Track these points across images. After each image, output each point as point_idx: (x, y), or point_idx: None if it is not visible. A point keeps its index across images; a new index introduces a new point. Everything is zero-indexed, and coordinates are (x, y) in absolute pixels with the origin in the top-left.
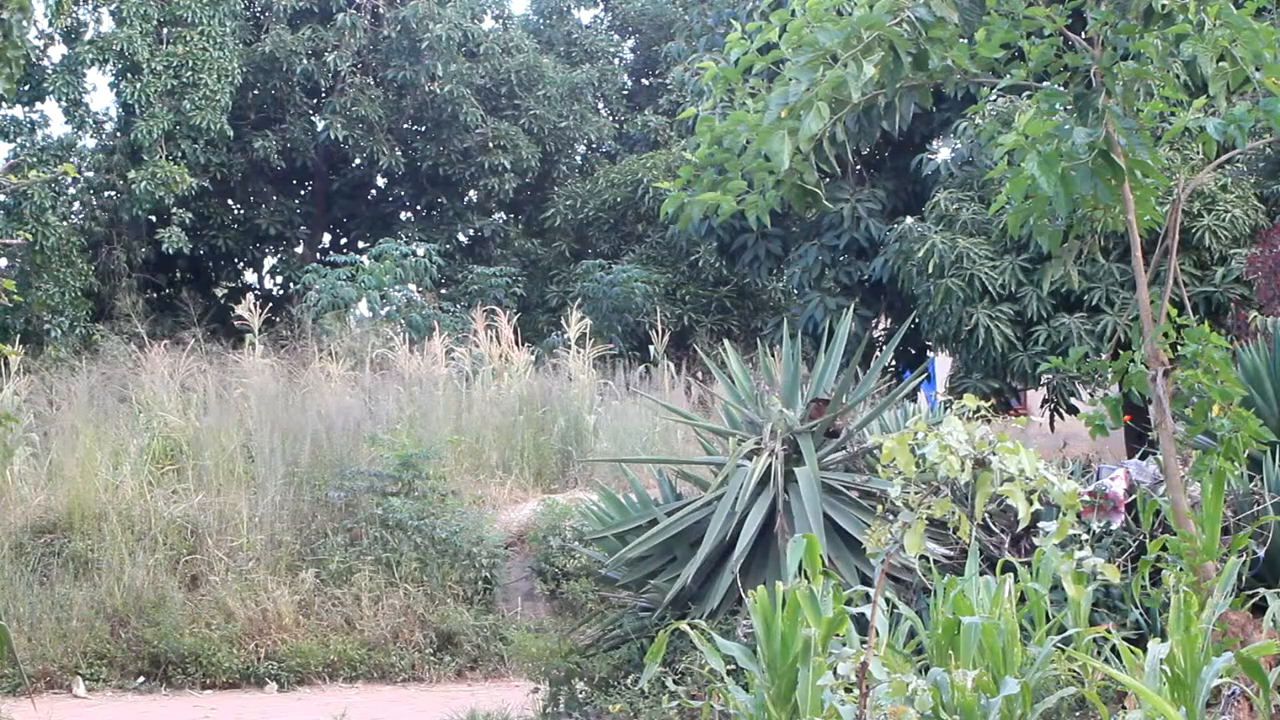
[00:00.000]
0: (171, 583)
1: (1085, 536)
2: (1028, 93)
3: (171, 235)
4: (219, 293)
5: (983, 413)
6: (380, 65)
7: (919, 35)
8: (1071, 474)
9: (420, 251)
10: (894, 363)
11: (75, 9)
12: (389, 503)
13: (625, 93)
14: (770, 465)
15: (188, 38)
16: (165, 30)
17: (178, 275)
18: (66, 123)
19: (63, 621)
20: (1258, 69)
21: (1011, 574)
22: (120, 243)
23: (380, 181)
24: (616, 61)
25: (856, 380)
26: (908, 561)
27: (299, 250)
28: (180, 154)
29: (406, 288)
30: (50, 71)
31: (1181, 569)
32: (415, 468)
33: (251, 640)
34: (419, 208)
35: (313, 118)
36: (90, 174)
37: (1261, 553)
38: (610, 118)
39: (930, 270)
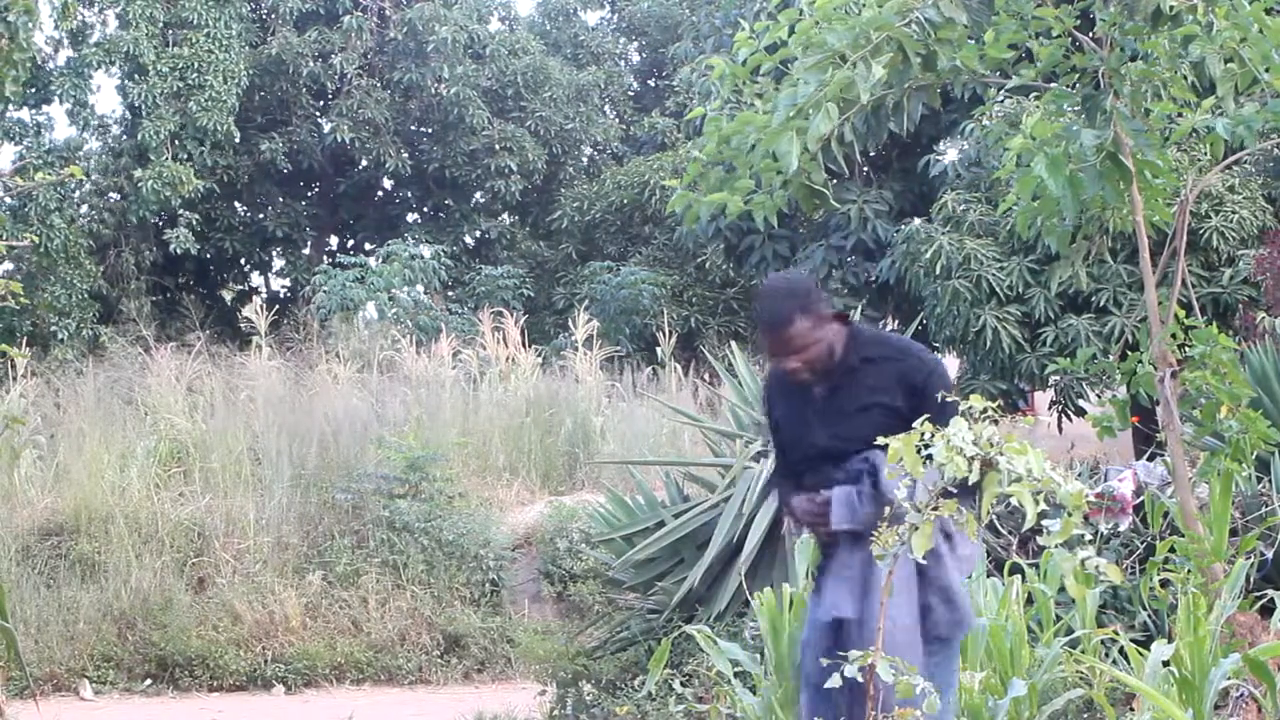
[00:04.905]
0: (178, 585)
1: (1089, 537)
2: (1035, 94)
3: (179, 236)
4: (226, 295)
5: (990, 413)
6: (386, 67)
7: (928, 36)
8: (1079, 475)
9: (427, 253)
10: None
11: (81, 11)
12: (396, 505)
13: (632, 95)
14: None
15: (194, 40)
16: (171, 32)
17: (184, 278)
18: (72, 124)
19: (69, 624)
20: (1266, 70)
21: (1019, 575)
22: (128, 245)
23: (387, 184)
24: (623, 63)
25: None
26: None
27: (306, 252)
28: (186, 156)
29: (414, 289)
30: (56, 74)
31: (1189, 570)
32: (422, 470)
33: (258, 643)
34: (425, 210)
35: (319, 120)
36: (97, 176)
37: (1270, 554)
38: (617, 120)
39: (937, 271)
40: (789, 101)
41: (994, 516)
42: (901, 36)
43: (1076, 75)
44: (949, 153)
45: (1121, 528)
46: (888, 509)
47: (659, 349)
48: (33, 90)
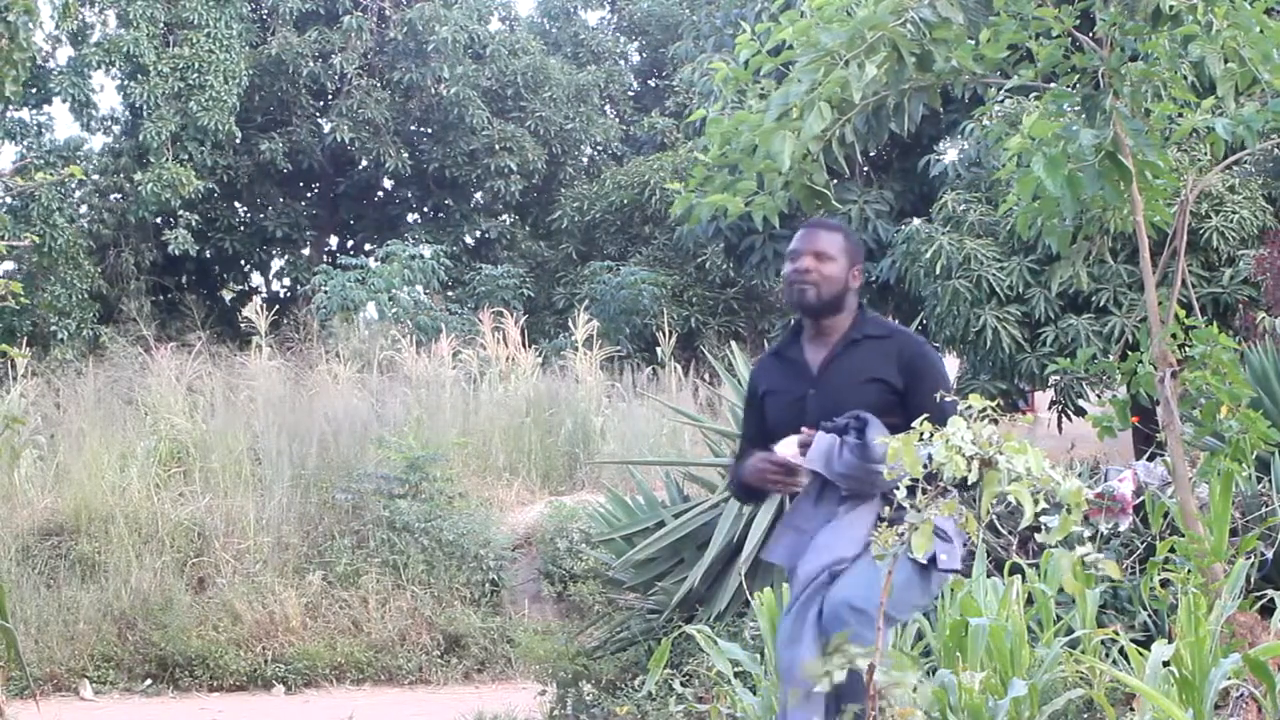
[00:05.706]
0: (178, 585)
1: (1087, 535)
2: (1035, 94)
3: (178, 237)
4: (226, 295)
5: (989, 413)
6: (386, 67)
7: (923, 36)
8: (1079, 475)
9: (427, 253)
10: None
11: (82, 11)
12: (396, 505)
13: (632, 94)
14: None
15: (194, 40)
16: (171, 33)
17: (184, 278)
18: (76, 121)
19: (69, 624)
20: (1266, 70)
21: (1019, 575)
22: (128, 245)
23: (387, 184)
24: (623, 63)
25: None
26: None
27: (306, 252)
28: (187, 156)
29: (414, 289)
30: (56, 73)
31: (1189, 570)
32: (422, 470)
33: (259, 643)
34: (425, 210)
35: (319, 120)
36: (97, 176)
37: (1270, 554)
38: (617, 120)
39: (938, 271)
40: (782, 101)
41: (994, 516)
42: (896, 36)
43: (1076, 75)
44: (949, 153)
45: (1121, 528)
46: (871, 472)
47: (659, 349)
48: (34, 90)
